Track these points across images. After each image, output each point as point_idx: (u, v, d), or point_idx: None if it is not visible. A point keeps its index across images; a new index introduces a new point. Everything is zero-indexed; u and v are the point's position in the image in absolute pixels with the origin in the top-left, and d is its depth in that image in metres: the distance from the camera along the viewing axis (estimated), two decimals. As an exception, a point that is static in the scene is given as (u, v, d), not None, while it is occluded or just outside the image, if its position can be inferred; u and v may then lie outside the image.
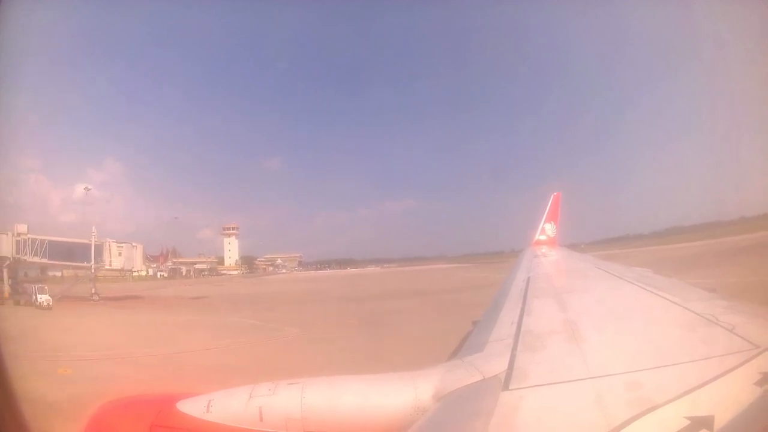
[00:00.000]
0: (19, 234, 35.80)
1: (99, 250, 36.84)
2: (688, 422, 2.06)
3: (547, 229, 18.45)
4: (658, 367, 2.77)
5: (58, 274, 56.93)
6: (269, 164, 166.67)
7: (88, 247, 36.88)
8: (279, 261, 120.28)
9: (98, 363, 14.49)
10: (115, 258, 37.18)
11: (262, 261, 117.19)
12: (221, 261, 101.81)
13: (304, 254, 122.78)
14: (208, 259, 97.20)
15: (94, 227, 37.63)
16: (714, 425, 2.03)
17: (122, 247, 37.79)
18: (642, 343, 3.43)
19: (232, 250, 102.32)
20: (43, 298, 29.02)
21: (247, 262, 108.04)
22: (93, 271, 37.32)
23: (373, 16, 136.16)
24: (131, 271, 41.61)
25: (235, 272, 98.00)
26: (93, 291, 37.05)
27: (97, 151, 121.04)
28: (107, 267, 38.09)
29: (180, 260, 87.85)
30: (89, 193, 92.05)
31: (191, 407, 3.31)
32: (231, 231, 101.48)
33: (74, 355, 15.32)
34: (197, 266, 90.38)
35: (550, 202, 19.05)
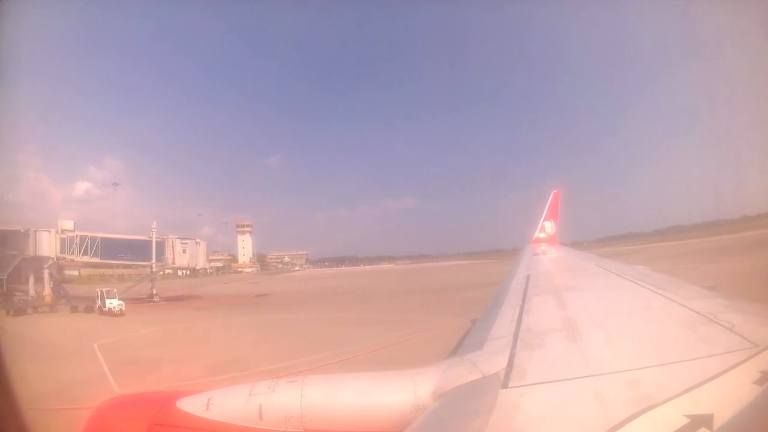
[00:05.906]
0: (63, 231, 32.77)
1: (161, 247, 34.18)
2: (688, 420, 2.02)
3: (546, 227, 18.41)
4: (657, 366, 2.71)
5: (75, 273, 53.59)
6: (269, 162, 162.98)
7: (148, 244, 34.25)
8: (287, 258, 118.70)
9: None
10: (179, 255, 34.58)
11: (271, 258, 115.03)
12: (234, 258, 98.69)
13: (308, 252, 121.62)
14: (222, 257, 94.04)
15: (154, 223, 35.00)
16: (713, 423, 1.98)
17: (186, 243, 35.22)
18: (642, 342, 3.40)
19: (246, 247, 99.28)
20: (114, 304, 26.84)
21: (260, 259, 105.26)
22: (154, 270, 34.70)
23: (374, 15, 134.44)
24: (195, 268, 38.93)
25: (250, 269, 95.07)
26: (154, 292, 34.54)
27: (98, 148, 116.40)
28: (171, 265, 35.43)
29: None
30: (90, 191, 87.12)
31: (191, 405, 3.26)
32: (245, 228, 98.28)
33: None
34: (214, 263, 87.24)
35: (549, 199, 18.93)
